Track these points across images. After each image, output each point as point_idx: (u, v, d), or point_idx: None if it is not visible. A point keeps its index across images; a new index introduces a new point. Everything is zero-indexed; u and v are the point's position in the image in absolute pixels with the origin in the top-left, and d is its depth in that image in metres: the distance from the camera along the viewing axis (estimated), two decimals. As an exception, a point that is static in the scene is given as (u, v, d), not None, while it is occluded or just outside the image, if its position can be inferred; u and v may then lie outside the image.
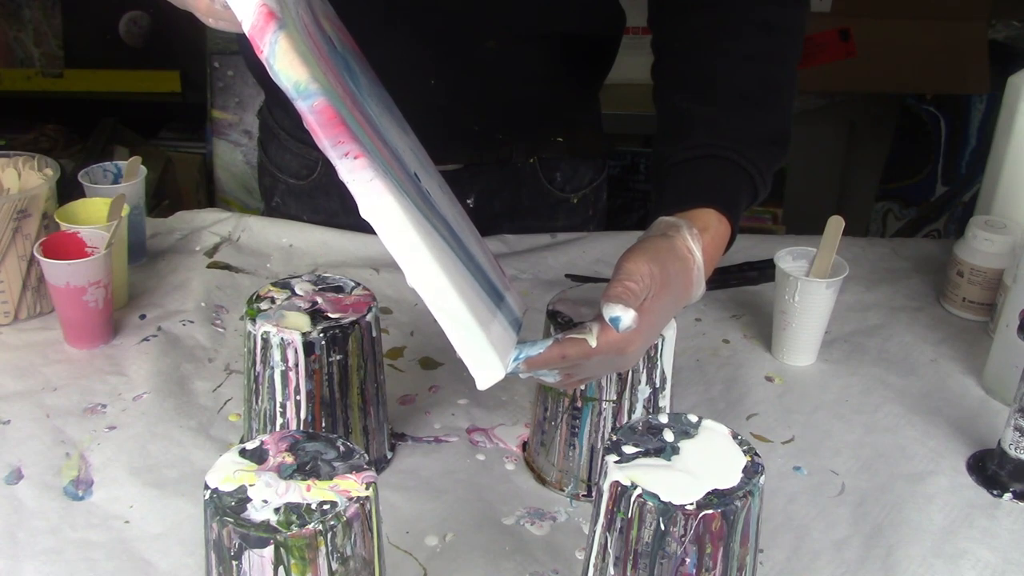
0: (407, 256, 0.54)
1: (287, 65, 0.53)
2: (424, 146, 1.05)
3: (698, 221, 0.71)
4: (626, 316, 0.61)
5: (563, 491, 0.77)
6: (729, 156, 0.75)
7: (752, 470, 0.57)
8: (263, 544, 0.51)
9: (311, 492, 0.54)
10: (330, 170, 1.11)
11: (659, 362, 0.73)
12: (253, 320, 0.72)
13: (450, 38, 0.93)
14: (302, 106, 0.53)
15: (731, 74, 0.78)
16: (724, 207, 0.72)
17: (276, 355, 0.71)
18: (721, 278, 1.06)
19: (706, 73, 0.79)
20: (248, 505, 0.53)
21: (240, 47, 1.10)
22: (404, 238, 0.54)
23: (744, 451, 0.58)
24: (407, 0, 0.91)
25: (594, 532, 0.59)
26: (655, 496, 0.54)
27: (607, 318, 0.61)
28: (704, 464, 0.57)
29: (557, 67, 1.02)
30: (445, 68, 0.95)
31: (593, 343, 0.62)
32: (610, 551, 0.57)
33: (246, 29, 0.53)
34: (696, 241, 0.69)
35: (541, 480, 0.79)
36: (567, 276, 1.08)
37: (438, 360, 0.92)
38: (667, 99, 0.82)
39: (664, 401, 0.75)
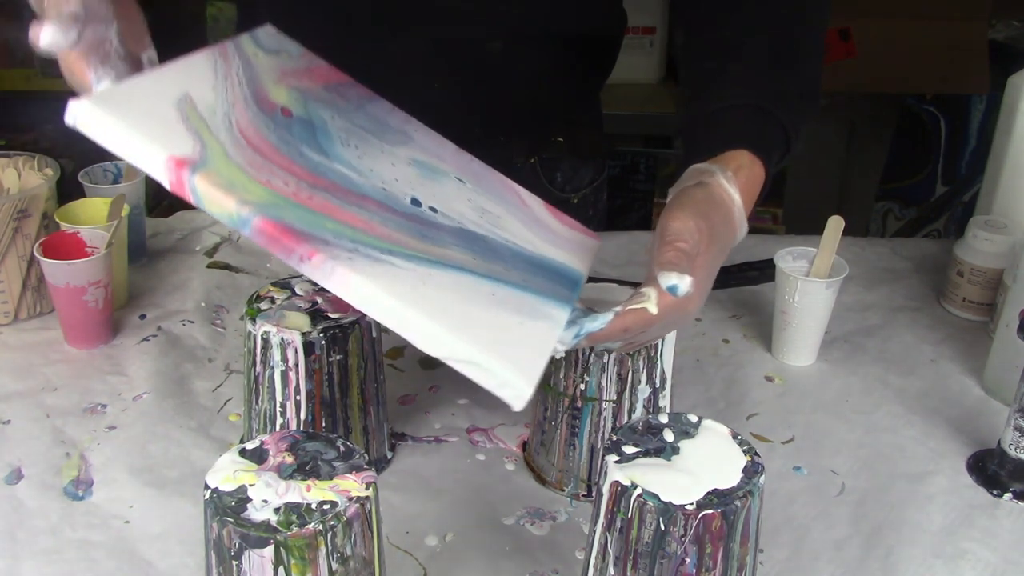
0: (388, 320, 0.54)
1: (213, 202, 0.52)
2: None
3: (731, 163, 0.69)
4: (683, 283, 0.60)
5: (563, 491, 0.77)
6: (761, 105, 0.73)
7: (752, 470, 0.57)
8: (263, 544, 0.51)
9: (311, 492, 0.54)
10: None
11: (659, 362, 0.73)
12: (253, 320, 0.72)
13: (457, 42, 0.93)
14: (243, 233, 0.53)
15: (759, 34, 0.78)
16: (757, 149, 0.71)
17: (276, 355, 0.72)
18: (721, 278, 1.06)
19: (734, 35, 0.78)
20: (248, 505, 0.53)
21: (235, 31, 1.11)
22: (378, 307, 0.53)
23: (744, 451, 0.58)
24: (414, 7, 0.90)
25: (594, 532, 0.59)
26: (655, 496, 0.54)
27: (664, 287, 0.61)
28: (704, 464, 0.57)
29: (561, 68, 1.02)
30: (451, 73, 0.95)
31: (654, 310, 0.61)
32: (610, 551, 0.57)
33: (167, 186, 0.53)
34: (732, 184, 0.68)
35: (541, 480, 0.79)
36: (567, 276, 1.08)
37: (438, 360, 0.91)
38: (695, 63, 0.81)
39: (664, 401, 0.75)
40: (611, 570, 0.57)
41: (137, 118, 0.53)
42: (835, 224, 0.91)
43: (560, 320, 0.59)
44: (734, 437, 0.60)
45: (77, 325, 0.92)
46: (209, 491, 0.54)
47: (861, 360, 0.96)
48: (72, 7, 0.58)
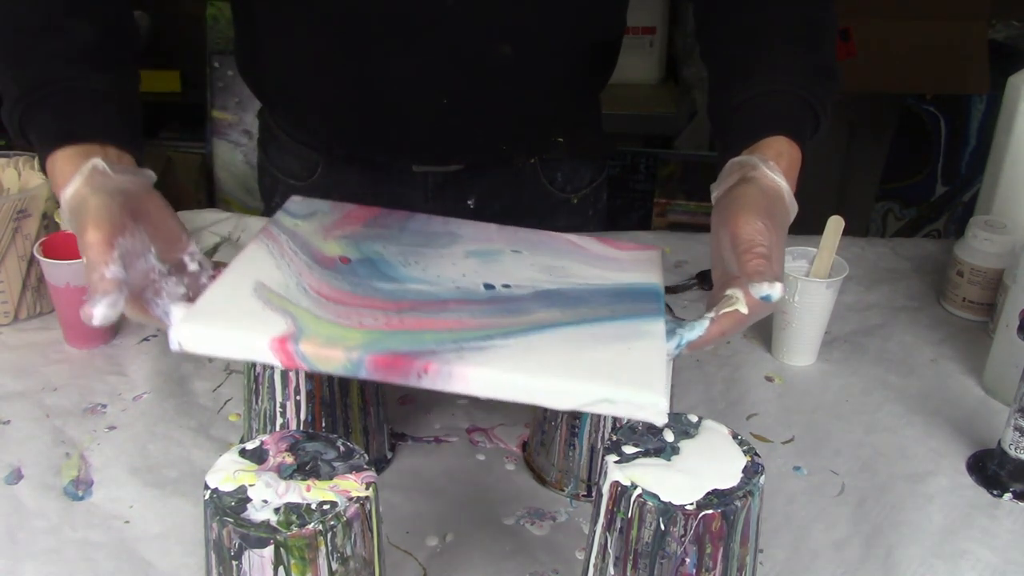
0: (516, 395, 0.56)
1: (324, 361, 0.56)
2: (425, 153, 1.06)
3: (769, 151, 0.71)
4: (774, 291, 0.62)
5: (563, 491, 0.77)
6: (789, 90, 0.76)
7: (752, 470, 0.57)
8: (263, 544, 0.51)
9: (311, 492, 0.54)
10: (331, 171, 1.11)
11: (659, 362, 0.73)
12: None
13: (464, 54, 0.93)
14: (360, 376, 0.56)
15: (780, 19, 0.80)
16: (792, 134, 0.73)
17: (276, 355, 0.72)
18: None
19: (755, 21, 0.81)
20: (248, 505, 0.53)
21: (234, 44, 1.10)
22: (502, 387, 0.56)
23: (744, 451, 0.58)
24: (422, 20, 0.90)
25: (594, 532, 0.59)
26: (655, 496, 0.54)
27: (757, 296, 0.63)
28: (704, 464, 0.57)
29: (564, 73, 1.01)
30: (456, 86, 0.95)
31: (745, 311, 0.64)
32: (610, 551, 0.57)
33: (280, 366, 0.57)
34: (777, 172, 0.70)
35: (541, 480, 0.79)
36: (567, 276, 1.08)
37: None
38: (719, 52, 0.84)
39: (664, 401, 0.75)
40: (611, 570, 0.57)
41: (229, 322, 0.58)
42: (835, 224, 0.91)
43: (659, 332, 0.62)
44: (734, 437, 0.60)
45: (77, 325, 0.92)
46: (209, 491, 0.54)
47: (861, 360, 0.96)
48: (113, 272, 0.61)
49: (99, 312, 0.60)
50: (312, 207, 0.75)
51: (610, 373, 0.57)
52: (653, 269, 0.71)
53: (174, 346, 0.57)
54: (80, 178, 0.66)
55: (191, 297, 0.65)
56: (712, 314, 0.64)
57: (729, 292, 0.65)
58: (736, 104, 0.77)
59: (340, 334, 0.58)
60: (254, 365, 0.73)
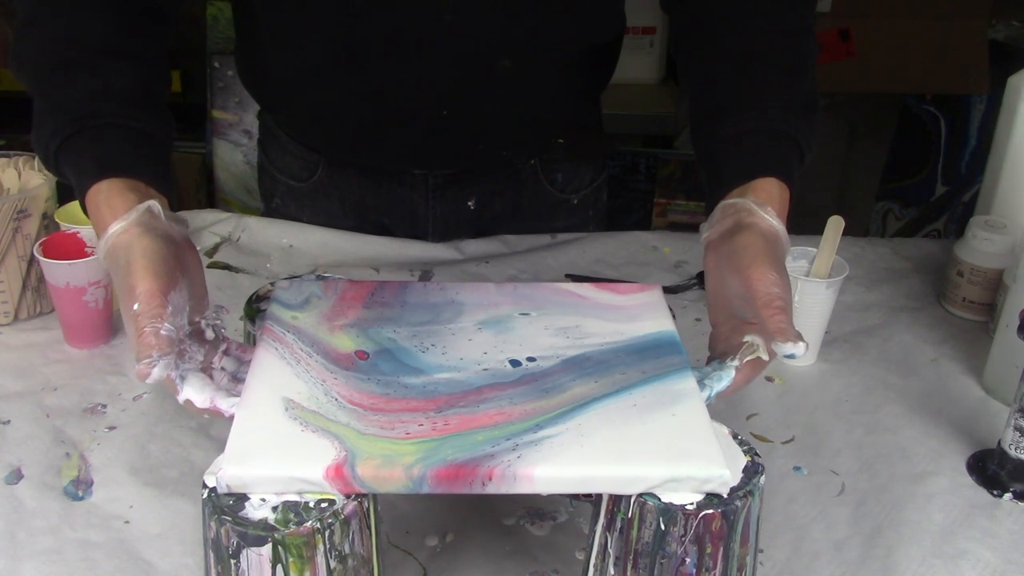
0: (577, 489, 0.56)
1: (385, 483, 0.55)
2: (426, 159, 1.06)
3: (762, 193, 0.72)
4: (798, 349, 0.63)
5: (563, 491, 0.77)
6: (779, 128, 0.76)
7: (752, 470, 0.57)
8: (261, 542, 0.51)
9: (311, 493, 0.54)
10: (331, 172, 1.11)
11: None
12: (252, 320, 0.72)
13: (466, 63, 0.93)
14: (423, 492, 0.55)
15: (766, 48, 0.79)
16: (780, 174, 0.73)
17: (276, 355, 0.71)
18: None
19: (742, 49, 0.79)
20: (246, 504, 0.53)
21: (236, 52, 1.10)
22: (565, 484, 0.56)
23: (744, 451, 0.58)
24: (424, 31, 0.90)
25: (594, 532, 0.59)
26: (655, 496, 0.54)
27: (781, 354, 0.63)
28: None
29: (565, 77, 1.01)
30: (456, 94, 0.95)
31: (766, 357, 0.66)
32: (610, 551, 0.57)
33: (341, 494, 0.55)
34: (772, 216, 0.70)
35: (541, 480, 0.78)
36: (567, 276, 1.08)
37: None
38: (703, 78, 0.82)
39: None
40: (611, 570, 0.57)
41: (276, 457, 0.55)
42: (835, 224, 0.91)
43: (693, 390, 0.62)
44: (734, 437, 0.60)
45: (77, 325, 0.92)
46: (207, 490, 0.54)
47: (861, 360, 0.96)
48: (168, 329, 0.60)
49: (157, 374, 0.58)
50: (303, 290, 0.72)
51: (667, 450, 0.56)
52: (660, 311, 0.71)
53: (222, 489, 0.54)
54: (134, 215, 0.64)
55: (204, 366, 0.64)
56: (736, 363, 0.66)
57: (748, 339, 0.66)
58: (725, 137, 0.76)
59: (392, 451, 0.56)
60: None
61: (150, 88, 0.75)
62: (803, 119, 0.76)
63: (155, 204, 0.65)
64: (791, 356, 0.63)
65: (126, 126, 0.70)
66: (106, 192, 0.66)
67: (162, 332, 0.59)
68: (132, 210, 0.64)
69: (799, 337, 0.63)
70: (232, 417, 0.58)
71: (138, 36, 0.76)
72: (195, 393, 0.60)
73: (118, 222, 0.64)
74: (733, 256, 0.68)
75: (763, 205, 0.70)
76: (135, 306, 0.60)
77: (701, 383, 0.64)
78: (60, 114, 0.70)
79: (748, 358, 0.66)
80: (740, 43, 0.79)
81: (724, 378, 0.65)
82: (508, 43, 0.92)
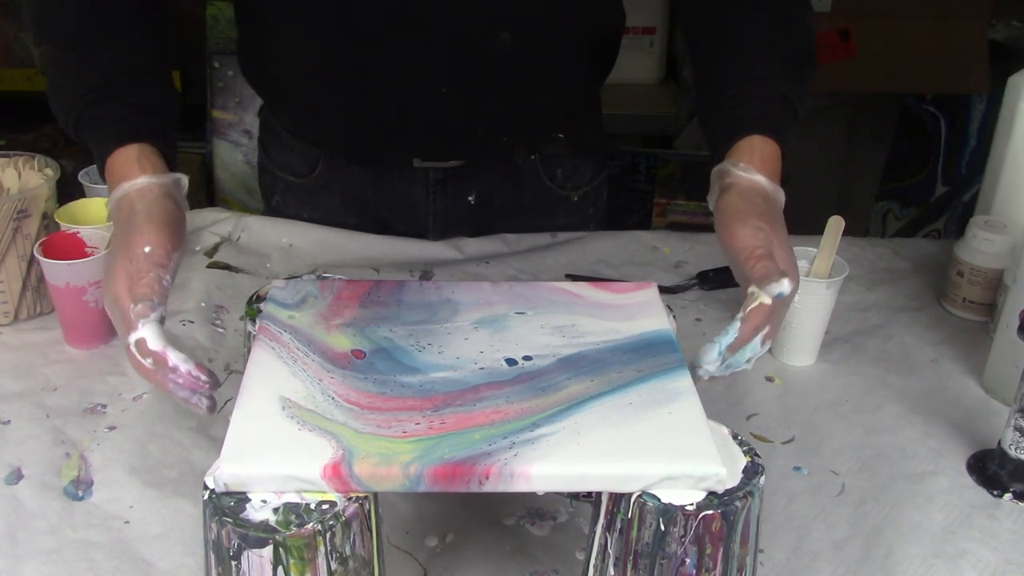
0: (574, 487, 0.56)
1: (382, 481, 0.55)
2: (426, 148, 1.06)
3: (743, 153, 0.75)
4: (782, 286, 0.66)
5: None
6: (768, 89, 0.79)
7: (752, 470, 0.57)
8: (262, 544, 0.51)
9: (310, 492, 0.54)
10: (332, 168, 1.11)
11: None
12: (253, 320, 0.72)
13: (463, 44, 0.93)
14: (420, 491, 0.55)
15: (760, 12, 0.82)
16: (768, 131, 0.76)
17: (276, 355, 0.71)
18: (721, 278, 1.06)
19: (735, 13, 0.83)
20: (247, 505, 0.53)
21: (237, 43, 1.10)
22: (562, 482, 0.56)
23: (744, 451, 0.58)
24: (423, 10, 0.90)
25: (594, 532, 0.59)
26: (655, 496, 0.54)
27: (772, 296, 0.66)
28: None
29: (563, 66, 1.01)
30: (456, 76, 0.95)
31: (768, 300, 0.67)
32: (610, 551, 0.57)
33: (338, 492, 0.55)
34: (750, 170, 0.74)
35: (541, 480, 0.78)
36: (567, 276, 1.08)
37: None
38: (701, 45, 0.87)
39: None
40: (611, 570, 0.57)
41: (273, 456, 0.55)
42: (835, 224, 0.91)
43: (688, 387, 0.62)
44: (734, 437, 0.60)
45: (77, 325, 0.92)
46: (208, 491, 0.54)
47: (861, 360, 0.96)
48: (168, 282, 0.66)
49: (154, 318, 0.64)
50: (299, 290, 0.72)
51: (663, 448, 0.56)
52: (656, 308, 0.72)
53: (220, 488, 0.54)
54: (167, 178, 0.71)
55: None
56: (741, 314, 0.67)
57: (751, 290, 0.68)
58: (718, 102, 0.80)
59: (389, 449, 0.56)
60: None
61: (163, 59, 0.84)
62: (794, 77, 0.81)
63: (184, 178, 0.72)
64: (780, 295, 0.66)
65: (143, 96, 0.79)
66: (138, 152, 0.73)
67: (163, 282, 0.65)
68: (166, 173, 0.71)
69: (782, 275, 0.66)
70: (176, 369, 0.63)
71: (157, 7, 0.83)
72: (154, 337, 0.64)
73: (148, 176, 0.70)
74: (719, 222, 0.72)
75: (737, 164, 0.74)
76: (146, 248, 0.66)
77: (713, 341, 0.66)
78: (83, 82, 0.77)
79: (750, 307, 0.67)
80: (736, 7, 0.83)
81: (730, 331, 0.66)
82: (507, 18, 0.93)
